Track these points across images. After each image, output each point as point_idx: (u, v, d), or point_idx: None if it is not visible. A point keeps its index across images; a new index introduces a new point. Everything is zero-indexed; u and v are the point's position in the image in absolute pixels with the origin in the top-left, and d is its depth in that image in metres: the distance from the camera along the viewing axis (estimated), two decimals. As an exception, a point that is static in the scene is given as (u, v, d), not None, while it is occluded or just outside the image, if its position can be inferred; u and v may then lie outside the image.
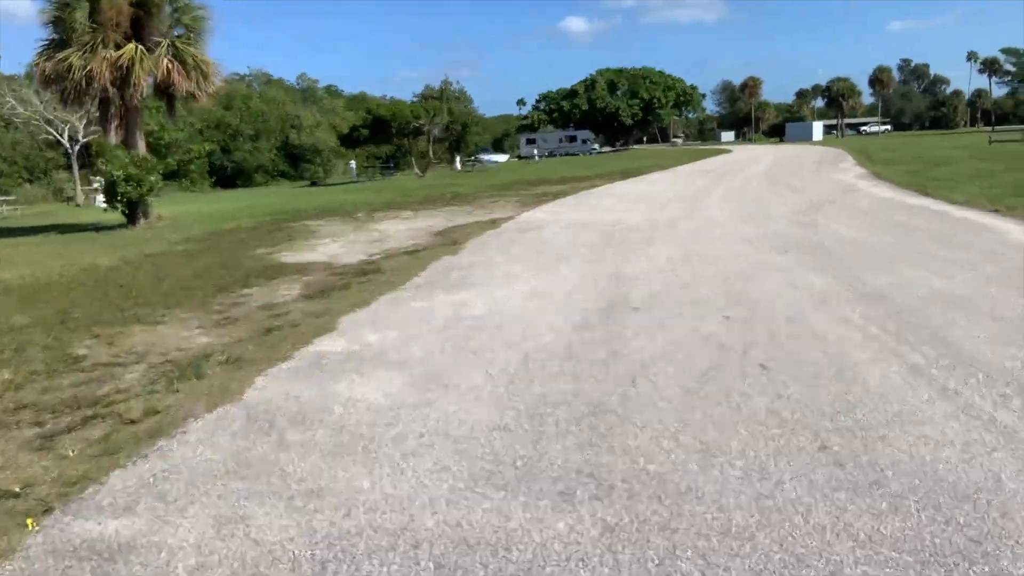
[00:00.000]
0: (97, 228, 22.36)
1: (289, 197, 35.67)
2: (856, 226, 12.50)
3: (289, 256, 13.14)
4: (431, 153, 52.05)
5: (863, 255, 9.68)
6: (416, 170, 46.73)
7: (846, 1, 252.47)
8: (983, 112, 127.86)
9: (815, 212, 15.02)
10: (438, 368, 5.59)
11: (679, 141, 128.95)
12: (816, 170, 30.55)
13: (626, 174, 33.88)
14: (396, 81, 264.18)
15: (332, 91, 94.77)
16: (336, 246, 14.39)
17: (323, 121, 72.24)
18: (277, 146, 68.57)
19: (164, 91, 24.33)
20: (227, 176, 68.97)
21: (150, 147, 63.13)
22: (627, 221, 15.04)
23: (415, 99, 57.94)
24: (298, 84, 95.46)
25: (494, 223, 16.04)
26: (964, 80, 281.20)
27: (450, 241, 13.45)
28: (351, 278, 9.99)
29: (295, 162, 68.71)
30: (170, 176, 65.01)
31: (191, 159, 63.42)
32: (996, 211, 13.52)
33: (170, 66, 23.21)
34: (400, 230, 16.44)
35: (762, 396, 4.70)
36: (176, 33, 24.40)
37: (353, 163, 60.46)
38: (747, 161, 42.60)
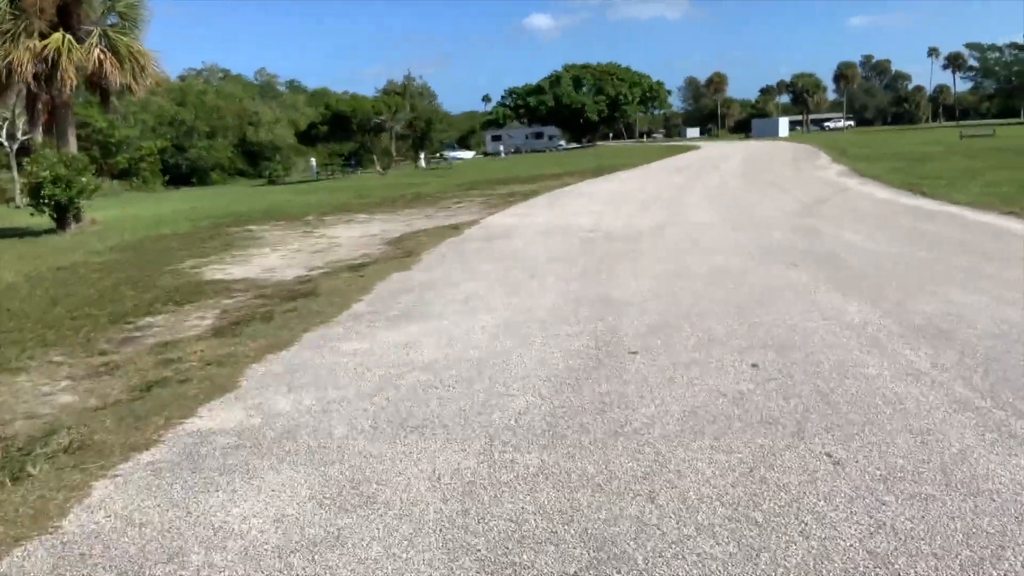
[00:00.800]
0: (23, 234, 20.19)
1: (240, 197, 33.54)
2: (864, 232, 11.02)
3: (217, 271, 11.30)
4: (394, 150, 49.99)
5: (889, 270, 8.15)
6: (378, 168, 44.71)
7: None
8: (945, 108, 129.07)
9: (811, 216, 13.55)
10: (363, 465, 3.88)
11: (659, 136, 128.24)
12: (794, 167, 29.30)
13: (597, 172, 32.35)
14: (362, 78, 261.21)
15: (293, 87, 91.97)
16: (275, 257, 12.58)
17: (283, 117, 69.65)
18: (234, 143, 65.90)
19: (97, 84, 22.32)
20: (182, 175, 66.18)
21: (99, 145, 60.48)
22: (606, 226, 13.41)
23: (378, 95, 55.76)
24: (257, 79, 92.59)
25: (456, 229, 14.31)
26: (925, 76, 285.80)
27: (405, 252, 11.71)
28: (278, 303, 8.21)
29: (254, 160, 66.10)
30: (121, 175, 62.45)
31: (142, 157, 60.72)
32: (1012, 213, 12.17)
33: (102, 57, 21.15)
34: (351, 237, 14.65)
35: (856, 529, 3.07)
36: (109, 22, 22.36)
37: (313, 161, 58.10)
38: (718, 158, 41.35)
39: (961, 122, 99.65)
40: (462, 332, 6.47)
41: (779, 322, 6.25)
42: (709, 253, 9.97)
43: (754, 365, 5.18)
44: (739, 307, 6.83)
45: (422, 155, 60.45)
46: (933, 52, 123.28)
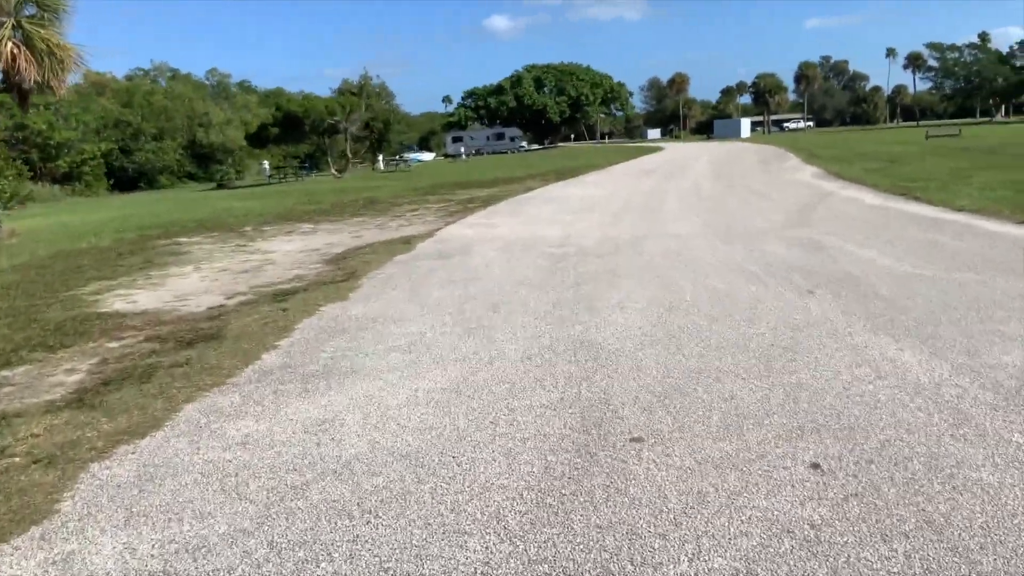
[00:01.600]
0: (-76, 248, 18.02)
1: (183, 203, 31.35)
2: (876, 247, 9.57)
3: (119, 298, 9.45)
4: (350, 152, 47.89)
5: (932, 300, 6.66)
6: (333, 170, 42.63)
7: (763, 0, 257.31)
8: (903, 108, 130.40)
9: (804, 225, 12.11)
10: None
11: (618, 138, 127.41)
12: (766, 169, 28.09)
13: (561, 175, 30.82)
14: (321, 79, 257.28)
15: (246, 87, 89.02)
16: (194, 279, 10.77)
17: (234, 118, 66.96)
18: (183, 145, 63.09)
19: (10, 81, 20.17)
20: (128, 178, 63.27)
21: (38, 148, 57.44)
22: (577, 239, 11.82)
23: (333, 95, 53.57)
24: (208, 79, 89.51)
25: (408, 243, 12.60)
26: (882, 77, 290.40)
27: (345, 273, 9.98)
28: (171, 351, 6.43)
29: (204, 162, 63.35)
30: (64, 179, 59.35)
31: (84, 160, 57.74)
32: (1029, 222, 10.87)
33: (15, 51, 19.08)
34: (288, 252, 12.87)
35: None
36: (27, 12, 20.24)
37: (266, 163, 55.72)
38: (685, 159, 40.16)
39: (921, 122, 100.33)
40: (400, 403, 4.78)
41: (824, 383, 4.68)
42: (702, 274, 8.41)
43: (815, 466, 3.59)
44: (763, 358, 5.26)
45: (380, 157, 58.42)
46: (891, 53, 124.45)
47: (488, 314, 7.08)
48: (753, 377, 4.90)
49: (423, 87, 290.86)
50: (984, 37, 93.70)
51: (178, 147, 64.30)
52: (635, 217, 14.49)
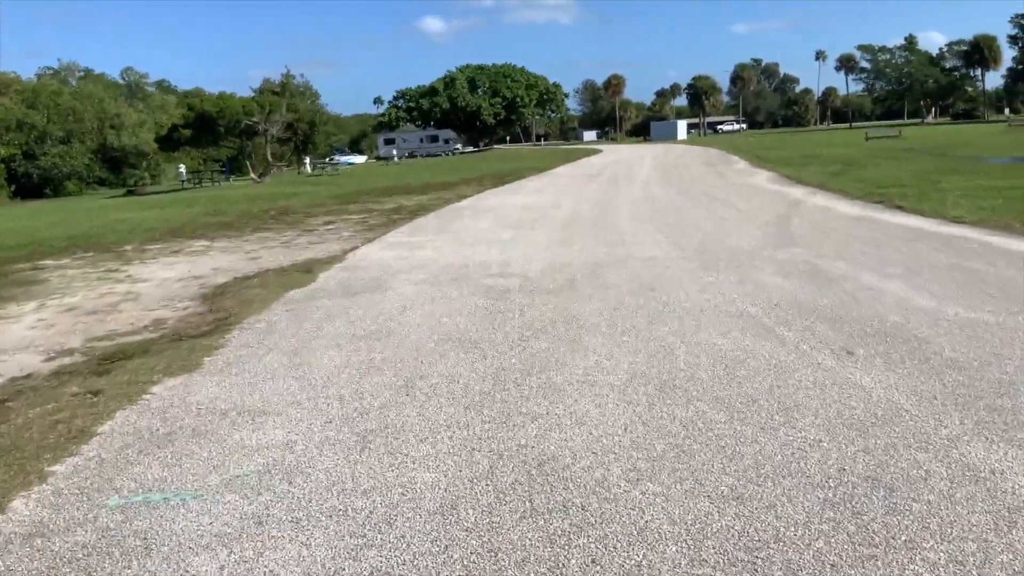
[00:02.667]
0: None
1: (76, 214, 28.02)
2: (897, 276, 7.60)
3: None
4: (271, 155, 44.61)
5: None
6: (253, 175, 39.47)
7: (689, 5, 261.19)
8: (833, 110, 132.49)
9: (790, 243, 10.17)
10: None
11: (554, 140, 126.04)
12: (716, 173, 26.44)
13: (499, 179, 28.64)
14: (247, 80, 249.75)
15: (165, 87, 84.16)
16: (26, 323, 8.23)
17: (148, 120, 62.64)
18: (94, 149, 58.54)
19: None
20: (32, 185, 58.54)
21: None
22: (520, 265, 9.60)
23: (254, 94, 50.15)
24: (124, 79, 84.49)
25: (310, 271, 10.18)
26: (812, 79, 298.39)
27: (214, 319, 7.54)
28: None
29: (117, 167, 58.91)
30: (-41, 187, 54.47)
31: (-20, 166, 53.11)
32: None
33: None
34: (163, 282, 10.33)
35: None
36: None
37: (183, 167, 51.95)
38: (628, 162, 38.49)
39: (854, 124, 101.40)
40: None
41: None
42: (691, 322, 6.28)
43: None
44: (844, 508, 3.12)
45: (308, 160, 55.26)
46: (821, 56, 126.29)
47: (397, 401, 4.78)
48: (835, 549, 2.75)
49: (355, 88, 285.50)
50: (911, 40, 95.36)
51: (87, 151, 59.76)
52: (588, 234, 12.34)
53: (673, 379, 4.90)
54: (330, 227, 15.76)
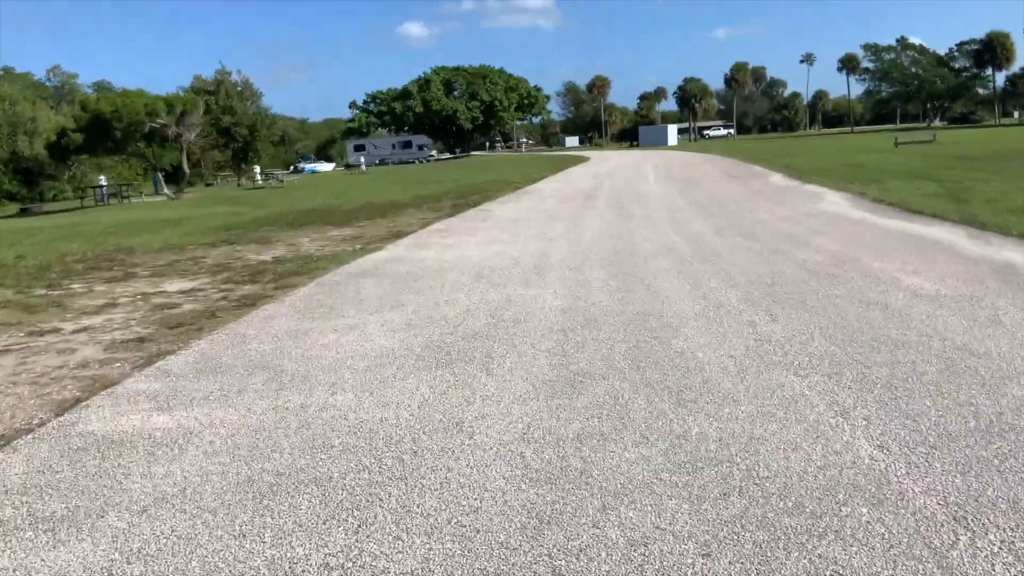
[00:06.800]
0: None
1: None
2: None
3: None
4: (186, 165, 37.20)
5: None
6: (166, 190, 32.19)
7: (670, 10, 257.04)
8: (824, 114, 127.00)
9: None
10: None
11: (532, 144, 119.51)
12: (755, 192, 19.51)
13: (463, 199, 21.59)
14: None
15: (105, 88, 76.03)
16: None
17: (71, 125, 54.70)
18: (4, 159, 50.61)
19: None
20: (-76, 203, 50.59)
21: None
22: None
23: (184, 91, 42.74)
24: (50, 80, 76.59)
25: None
26: (799, 83, 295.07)
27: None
28: None
29: (31, 179, 51.00)
30: None
31: None
32: None
33: None
34: None
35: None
36: None
37: (103, 179, 44.36)
38: (626, 172, 31.64)
39: (855, 128, 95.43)
40: None
41: None
42: None
43: None
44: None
45: (256, 170, 47.95)
46: (808, 59, 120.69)
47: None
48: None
49: (331, 94, 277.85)
50: (903, 41, 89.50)
51: (-6, 162, 51.79)
52: (629, 341, 5.27)
53: None
54: (107, 316, 8.58)
